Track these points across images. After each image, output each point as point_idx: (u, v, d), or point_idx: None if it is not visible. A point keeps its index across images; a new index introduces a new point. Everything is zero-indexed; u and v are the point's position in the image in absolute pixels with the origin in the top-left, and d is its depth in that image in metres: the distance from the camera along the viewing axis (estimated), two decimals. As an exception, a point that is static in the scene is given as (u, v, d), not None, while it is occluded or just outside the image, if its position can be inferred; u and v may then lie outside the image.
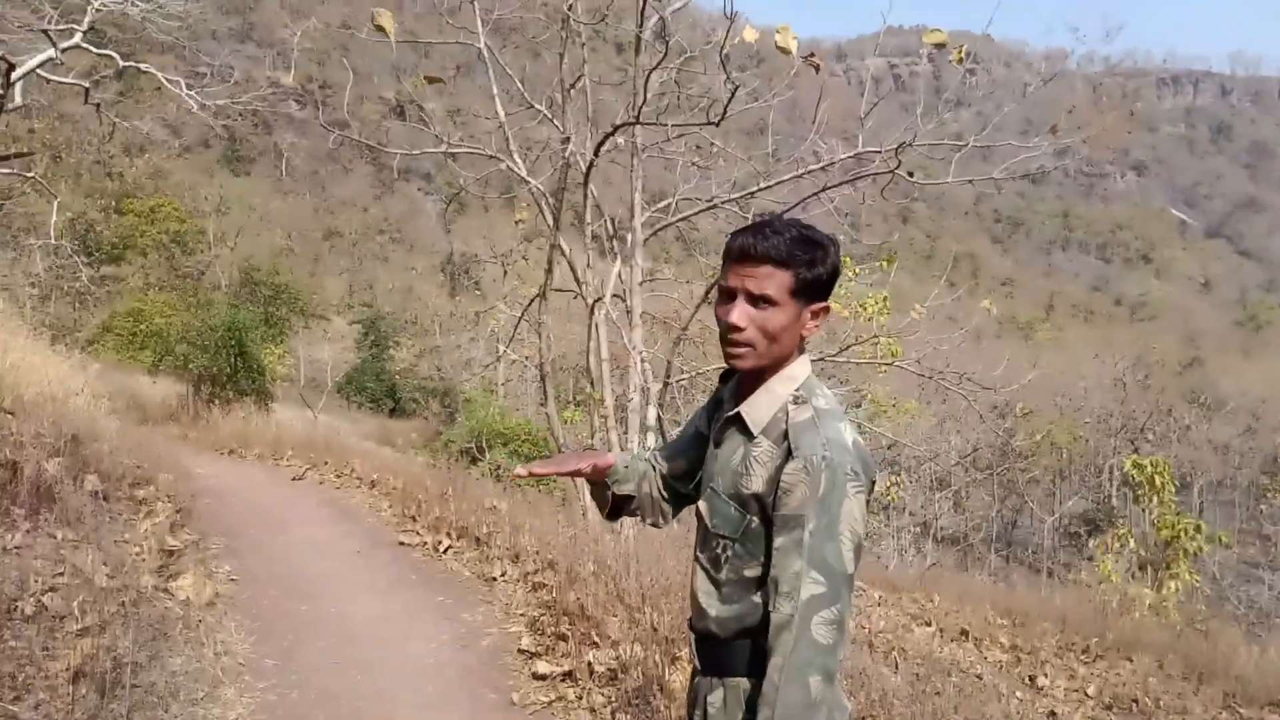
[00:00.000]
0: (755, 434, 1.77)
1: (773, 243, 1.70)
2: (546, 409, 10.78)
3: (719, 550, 1.80)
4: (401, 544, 7.32)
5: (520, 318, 12.78)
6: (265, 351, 21.86)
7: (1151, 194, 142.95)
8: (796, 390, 1.78)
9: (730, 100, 7.32)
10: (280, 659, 4.69)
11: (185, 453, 11.73)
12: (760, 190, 10.27)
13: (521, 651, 4.91)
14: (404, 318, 42.45)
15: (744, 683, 1.77)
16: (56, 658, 3.71)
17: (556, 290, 10.80)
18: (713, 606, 1.81)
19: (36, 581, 4.21)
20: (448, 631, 5.28)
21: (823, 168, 9.60)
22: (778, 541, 1.67)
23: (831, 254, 1.76)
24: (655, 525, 2.15)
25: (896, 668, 6.22)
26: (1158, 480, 13.83)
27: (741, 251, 1.73)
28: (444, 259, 55.29)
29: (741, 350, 1.76)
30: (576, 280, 10.36)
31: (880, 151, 8.48)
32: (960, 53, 7.53)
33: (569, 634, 4.87)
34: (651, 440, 10.18)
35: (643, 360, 9.84)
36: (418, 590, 6.12)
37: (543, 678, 4.56)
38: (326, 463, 11.54)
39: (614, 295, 10.27)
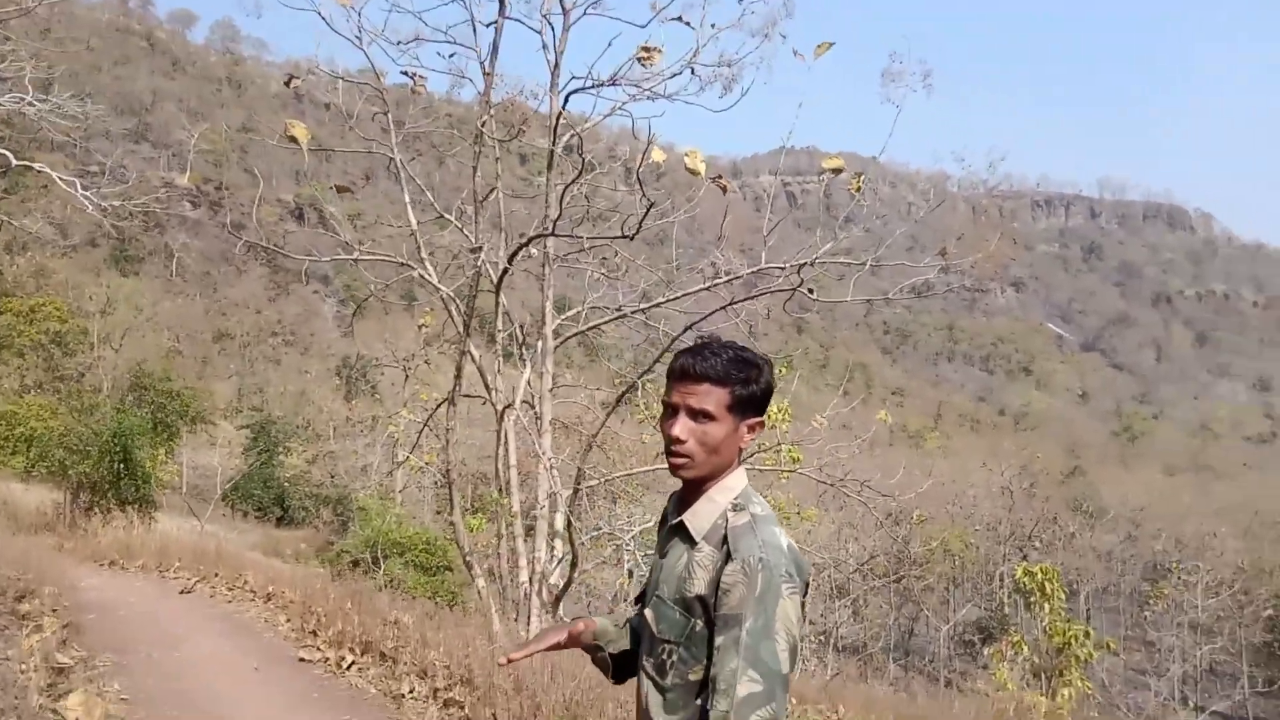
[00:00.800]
0: (698, 540, 1.85)
1: (711, 363, 1.84)
2: (452, 516, 10.60)
3: (664, 656, 1.85)
4: (302, 660, 7.02)
5: (425, 423, 12.64)
6: (150, 458, 20.97)
7: (1030, 309, 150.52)
8: (735, 499, 1.87)
9: (645, 215, 7.55)
10: (176, 786, 4.42)
11: (64, 564, 11.09)
12: (667, 302, 10.53)
13: (434, 771, 4.74)
14: (296, 422, 41.24)
15: None
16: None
17: (465, 396, 10.76)
18: (660, 716, 1.84)
19: (-89, 706, 3.92)
20: (355, 752, 5.06)
21: (727, 281, 9.91)
22: (718, 641, 1.73)
23: (765, 373, 1.90)
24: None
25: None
26: (1048, 587, 14.20)
27: (683, 371, 1.86)
28: (340, 362, 54.35)
29: (683, 460, 1.87)
30: (486, 386, 10.35)
31: (783, 268, 8.82)
32: (858, 181, 7.96)
33: (484, 752, 4.73)
34: (559, 547, 10.09)
35: (552, 466, 9.82)
36: (321, 709, 5.87)
37: (458, 799, 4.40)
38: (217, 574, 11.04)
39: (523, 401, 10.28)
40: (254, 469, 35.20)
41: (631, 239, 8.12)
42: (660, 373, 11.04)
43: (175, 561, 11.99)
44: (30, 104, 15.92)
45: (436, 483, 29.09)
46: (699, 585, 1.80)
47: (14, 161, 16.13)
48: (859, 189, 7.99)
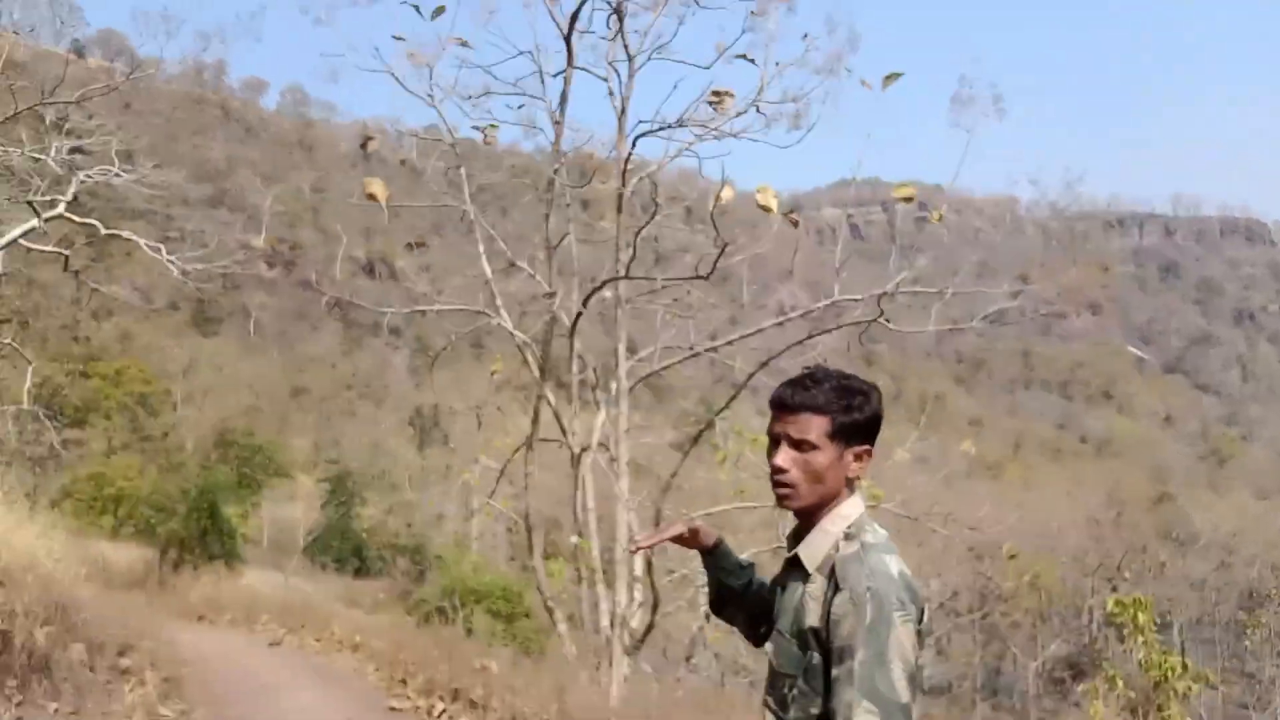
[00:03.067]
0: (811, 571, 1.85)
1: (811, 393, 1.85)
2: (532, 561, 10.62)
3: (785, 690, 1.84)
4: (393, 709, 7.07)
5: (503, 469, 12.72)
6: (235, 513, 21.46)
7: (1108, 332, 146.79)
8: (848, 528, 1.86)
9: (720, 255, 7.58)
10: (279, 837, 4.46)
11: (158, 619, 11.34)
12: (740, 339, 10.50)
13: (533, 819, 4.71)
14: (371, 473, 41.87)
15: None
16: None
17: (542, 440, 10.81)
18: None
19: (27, 760, 4.02)
20: (453, 800, 5.05)
21: (801, 315, 9.86)
22: (834, 674, 1.72)
23: (872, 400, 1.89)
24: (757, 643, 2.16)
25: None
26: (1140, 618, 13.74)
27: (780, 402, 1.88)
28: (413, 413, 55.09)
29: (787, 491, 1.87)
30: (562, 429, 10.39)
31: (859, 300, 8.76)
32: (939, 212, 7.92)
33: (582, 798, 4.69)
34: (639, 591, 10.02)
35: (630, 509, 9.79)
36: (415, 757, 5.88)
37: (558, 847, 4.36)
38: (304, 626, 11.22)
39: (599, 444, 10.29)
40: (332, 521, 35.79)
41: (707, 279, 8.14)
42: (736, 411, 10.99)
43: (263, 615, 12.21)
44: (117, 175, 16.61)
45: (510, 529, 29.24)
46: (812, 618, 1.79)
47: (103, 230, 16.80)
48: (940, 219, 7.94)
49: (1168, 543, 47.26)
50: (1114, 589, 34.24)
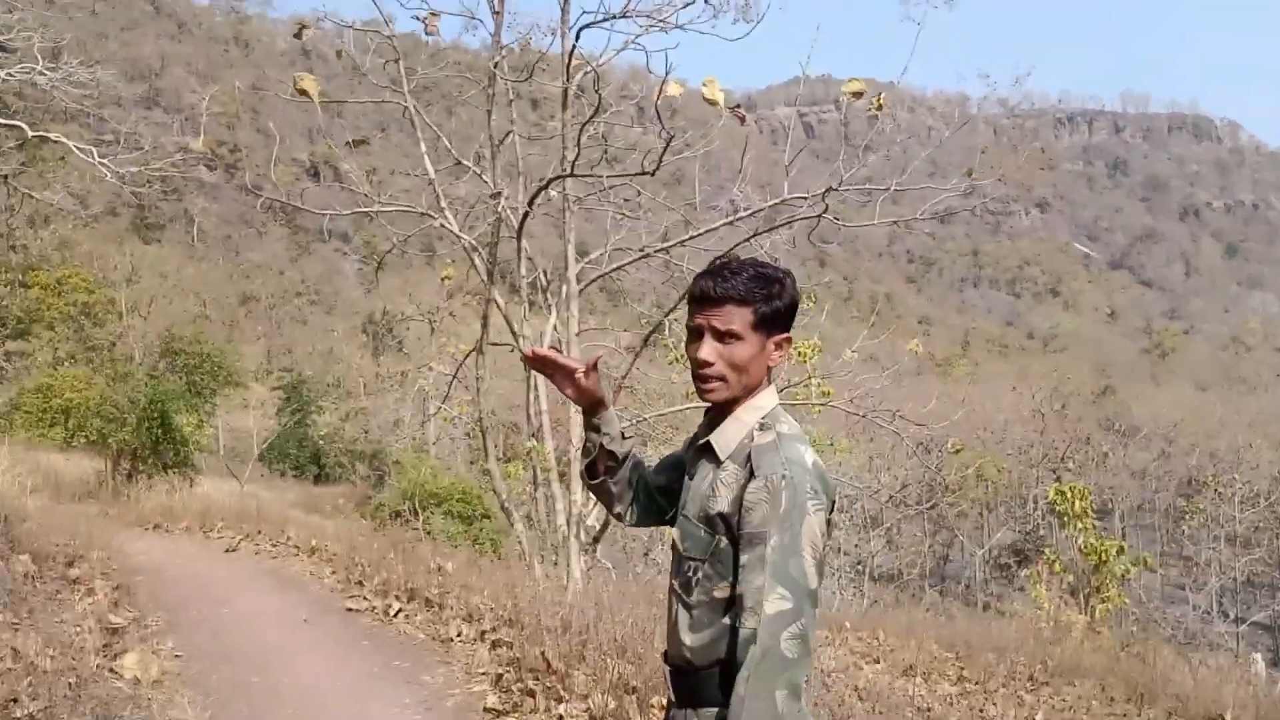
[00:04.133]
0: (723, 459, 1.84)
1: (731, 283, 1.82)
2: (487, 465, 10.67)
3: (690, 574, 1.85)
4: (350, 610, 7.14)
5: (454, 374, 12.68)
6: (187, 422, 21.24)
7: (1055, 229, 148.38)
8: (763, 418, 1.86)
9: (664, 150, 7.44)
10: (238, 735, 4.53)
11: (109, 529, 11.30)
12: (690, 239, 10.42)
13: (488, 710, 4.81)
14: (326, 381, 41.63)
15: (716, 712, 1.79)
16: (3, 748, 3.54)
17: (492, 344, 10.76)
18: (687, 635, 1.84)
19: (-24, 669, 4.02)
20: (409, 695, 5.15)
21: (751, 214, 9.80)
22: (743, 559, 1.73)
23: (788, 287, 1.88)
24: (619, 518, 2.19)
25: (853, 709, 6.25)
26: (1078, 505, 14.23)
27: (703, 294, 1.84)
28: (365, 319, 54.57)
29: (713, 384, 1.85)
30: (513, 334, 10.34)
31: (806, 197, 8.70)
32: (879, 100, 7.80)
33: (535, 689, 4.81)
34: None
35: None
36: (372, 656, 5.97)
37: (512, 736, 4.48)
38: (260, 532, 11.22)
39: (551, 347, 10.26)
40: (288, 429, 35.72)
41: (652, 174, 8.02)
42: (684, 312, 11.00)
43: (218, 522, 12.19)
44: (41, 73, 15.88)
45: (468, 434, 29.34)
46: (722, 503, 1.79)
47: (30, 132, 16.16)
48: (880, 107, 7.82)
49: (1110, 434, 48.72)
50: (1057, 479, 35.34)
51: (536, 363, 2.08)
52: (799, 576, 1.68)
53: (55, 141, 16.91)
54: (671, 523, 2.04)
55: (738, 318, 1.82)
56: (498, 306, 10.17)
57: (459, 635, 6.14)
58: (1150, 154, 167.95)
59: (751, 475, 1.76)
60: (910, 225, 10.39)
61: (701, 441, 1.92)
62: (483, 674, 5.39)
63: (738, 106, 8.29)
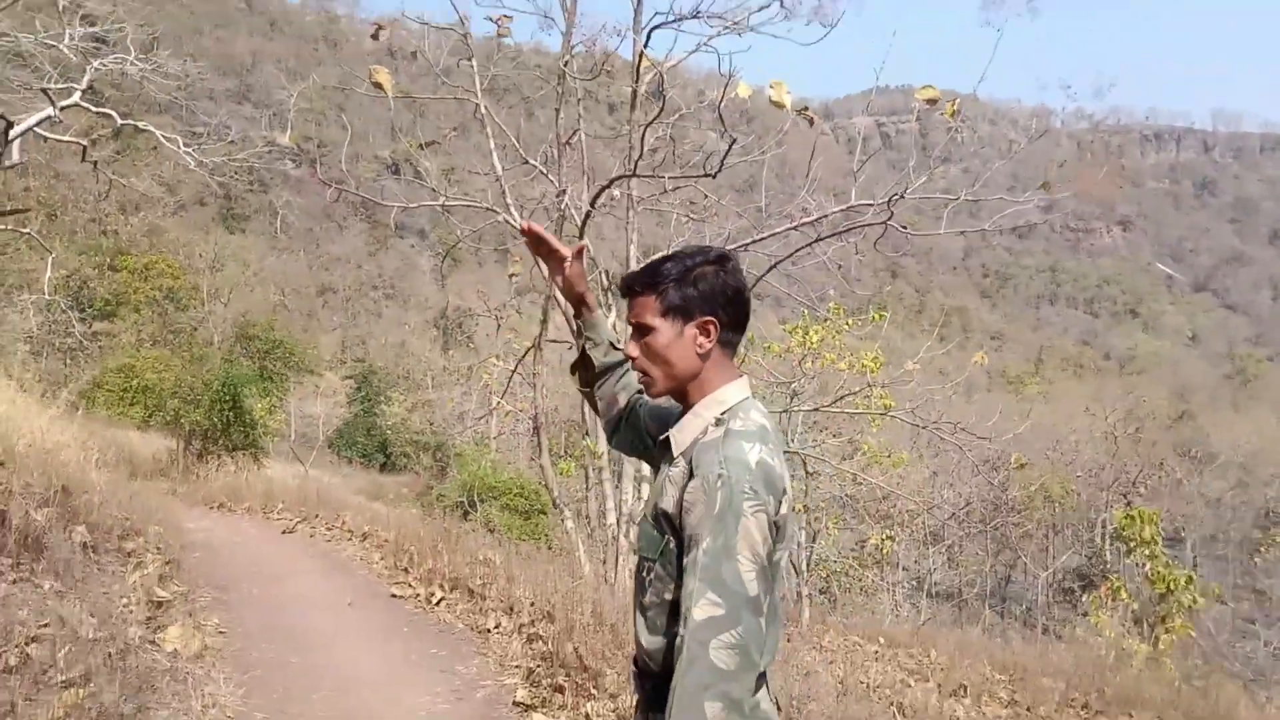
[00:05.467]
0: (675, 455, 1.80)
1: (645, 274, 1.82)
2: (541, 461, 10.72)
3: (644, 574, 1.80)
4: (394, 596, 7.22)
5: (514, 370, 12.76)
6: (258, 406, 21.76)
7: (1138, 249, 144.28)
8: (722, 413, 1.79)
9: (728, 153, 7.39)
10: (271, 712, 4.60)
11: (176, 507, 11.61)
12: (754, 242, 10.34)
13: (517, 704, 4.82)
14: (396, 373, 42.40)
15: None
16: (39, 709, 3.63)
17: (551, 342, 10.81)
18: (644, 637, 1.79)
19: (21, 631, 4.14)
20: (442, 683, 5.18)
21: (814, 221, 9.68)
22: (685, 562, 1.66)
23: (709, 270, 1.81)
24: (602, 421, 2.16)
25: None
26: (1147, 531, 13.80)
27: (622, 290, 1.85)
28: (437, 314, 55.41)
29: (645, 380, 1.86)
30: (572, 332, 10.36)
31: (873, 204, 8.56)
32: (953, 106, 7.64)
33: (566, 686, 4.80)
34: (645, 490, 10.12)
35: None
36: (411, 642, 6.03)
37: (539, 730, 4.48)
38: (318, 516, 11.43)
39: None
40: (357, 417, 36.45)
41: (714, 177, 7.97)
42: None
43: (279, 504, 12.45)
44: (132, 64, 16.39)
45: (529, 429, 29.58)
46: (667, 501, 1.74)
47: (120, 121, 16.67)
48: (954, 114, 7.64)
49: (1185, 460, 47.17)
50: (1127, 503, 34.32)
51: (531, 239, 2.05)
52: (733, 583, 1.58)
53: (146, 131, 17.42)
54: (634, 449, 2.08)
55: (648, 308, 1.80)
56: (557, 304, 10.20)
57: (497, 626, 6.16)
58: (1241, 174, 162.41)
59: (692, 474, 1.71)
60: (985, 237, 10.22)
61: (662, 437, 1.87)
62: (516, 667, 5.40)
63: (805, 109, 8.20)
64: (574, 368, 2.16)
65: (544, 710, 4.65)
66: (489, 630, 6.16)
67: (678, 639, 1.61)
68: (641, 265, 1.85)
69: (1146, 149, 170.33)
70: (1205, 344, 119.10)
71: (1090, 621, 14.54)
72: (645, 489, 10.07)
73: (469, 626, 6.37)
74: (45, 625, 4.22)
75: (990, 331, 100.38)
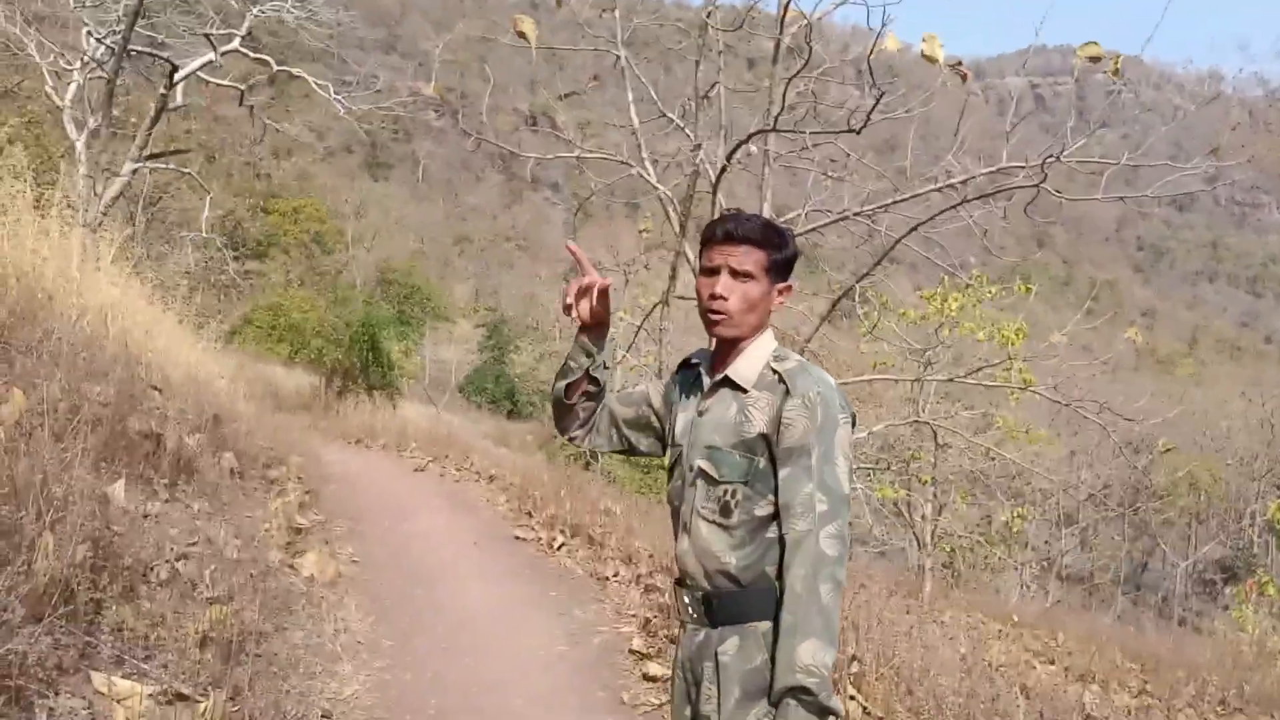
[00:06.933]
0: (748, 389, 1.98)
1: (750, 226, 1.98)
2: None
3: (729, 498, 1.95)
4: (517, 538, 7.39)
5: (640, 325, 12.79)
6: (395, 348, 22.51)
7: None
8: (775, 352, 2.02)
9: (875, 107, 7.12)
10: (397, 640, 4.77)
11: (315, 440, 12.14)
12: (893, 203, 10.02)
13: (633, 652, 4.87)
14: (526, 323, 43.19)
15: (762, 626, 1.89)
16: (186, 622, 3.84)
17: (678, 298, 10.77)
18: (730, 555, 1.93)
19: (172, 548, 4.38)
20: (559, 627, 5.28)
21: (962, 182, 9.31)
22: (784, 473, 1.89)
23: (791, 241, 2.05)
24: (571, 439, 2.27)
25: (1015, 705, 5.94)
26: (1305, 527, 12.96)
27: (726, 234, 1.99)
28: (568, 267, 56.00)
29: (722, 318, 1.98)
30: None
31: (1024, 166, 8.16)
32: (1116, 64, 7.18)
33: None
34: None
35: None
36: (531, 585, 6.15)
37: (654, 679, 4.51)
38: (448, 456, 11.78)
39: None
40: (487, 364, 37.33)
41: (859, 133, 7.67)
42: (879, 277, 10.63)
43: (412, 443, 12.87)
44: (289, 11, 16.95)
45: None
46: (759, 425, 1.93)
47: (275, 67, 17.29)
48: (1116, 72, 7.17)
49: (1351, 454, 44.07)
50: (1282, 496, 32.32)
51: (574, 257, 2.17)
52: (834, 484, 1.85)
53: (299, 78, 18.03)
54: (632, 453, 2.24)
55: (753, 259, 1.97)
56: (687, 260, 10.14)
57: (615, 575, 6.23)
58: None
59: (787, 395, 1.91)
60: (1141, 208, 9.65)
61: (720, 376, 2.03)
62: (632, 616, 5.45)
63: (958, 63, 7.84)
64: (566, 386, 2.21)
65: (658, 660, 4.68)
66: (607, 578, 6.24)
67: (795, 535, 1.84)
68: (735, 215, 2.01)
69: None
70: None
71: (1232, 616, 13.84)
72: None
73: (588, 573, 6.47)
74: (194, 544, 4.46)
75: (1142, 308, 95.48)
